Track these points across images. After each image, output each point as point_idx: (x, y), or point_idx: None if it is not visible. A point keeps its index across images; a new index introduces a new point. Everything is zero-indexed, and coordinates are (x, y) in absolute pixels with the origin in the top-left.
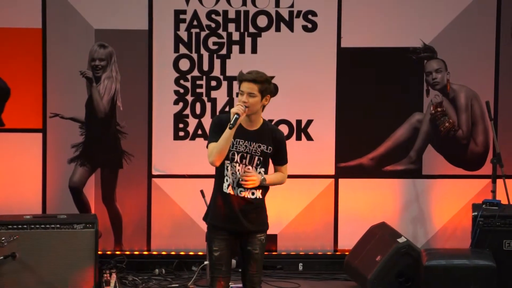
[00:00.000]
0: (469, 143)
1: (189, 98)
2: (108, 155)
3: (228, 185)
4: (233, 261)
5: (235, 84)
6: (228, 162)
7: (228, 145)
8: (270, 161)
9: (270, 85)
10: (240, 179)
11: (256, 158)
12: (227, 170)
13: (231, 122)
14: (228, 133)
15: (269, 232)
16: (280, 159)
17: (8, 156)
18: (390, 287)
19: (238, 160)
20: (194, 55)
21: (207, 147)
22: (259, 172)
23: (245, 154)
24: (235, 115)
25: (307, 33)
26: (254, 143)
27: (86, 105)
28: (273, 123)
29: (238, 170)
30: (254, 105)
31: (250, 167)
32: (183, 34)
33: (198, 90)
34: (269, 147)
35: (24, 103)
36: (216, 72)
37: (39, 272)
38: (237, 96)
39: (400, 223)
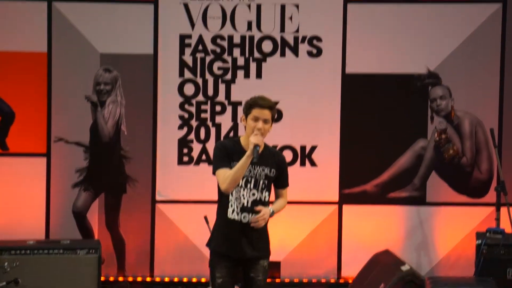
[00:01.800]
0: (473, 170)
1: (194, 123)
2: (112, 180)
3: (233, 211)
4: None
5: (240, 109)
6: None
7: (243, 173)
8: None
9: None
10: (251, 223)
11: (261, 182)
12: (232, 195)
13: (255, 156)
14: (245, 162)
15: (272, 259)
16: (282, 182)
17: (12, 180)
18: None
19: (243, 185)
20: (199, 80)
21: (213, 173)
22: (265, 197)
23: (249, 178)
24: (256, 147)
25: (312, 59)
26: (258, 167)
27: (91, 130)
28: (277, 148)
29: (243, 195)
30: (267, 131)
31: (261, 207)
32: (188, 59)
33: (203, 115)
34: (272, 169)
35: (29, 127)
36: (221, 97)
37: None
38: (241, 121)
39: (404, 251)
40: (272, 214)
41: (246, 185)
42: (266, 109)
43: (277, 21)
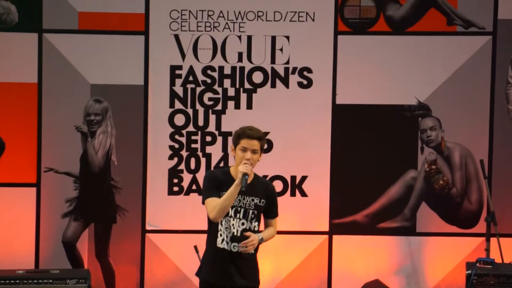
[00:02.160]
0: (463, 201)
1: (184, 153)
2: (102, 210)
3: (222, 240)
4: None
5: (230, 139)
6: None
7: (232, 203)
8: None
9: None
10: (239, 249)
11: (251, 212)
12: (221, 224)
13: (243, 184)
14: (234, 191)
15: None
16: (272, 212)
17: (2, 210)
18: None
19: (233, 215)
20: (190, 111)
21: (203, 202)
22: (254, 227)
23: (239, 208)
24: (245, 176)
25: (302, 90)
26: (247, 197)
27: (81, 160)
28: (267, 178)
29: (233, 224)
30: (256, 162)
31: (250, 233)
32: (179, 90)
33: (193, 146)
34: (262, 200)
35: (19, 157)
36: (211, 127)
37: None
38: (230, 151)
39: (394, 281)
40: (261, 241)
41: (235, 215)
42: (255, 139)
43: (267, 52)
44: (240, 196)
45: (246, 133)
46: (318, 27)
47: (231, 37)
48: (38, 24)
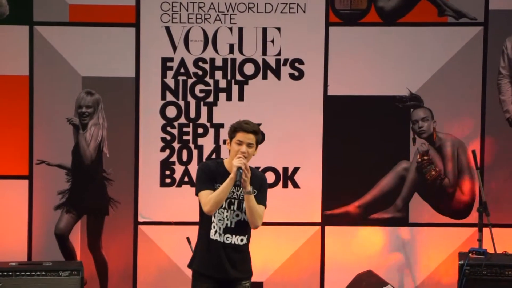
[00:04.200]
0: (455, 191)
1: (176, 145)
2: (94, 202)
3: (215, 232)
4: None
5: (222, 131)
6: None
7: (226, 196)
8: None
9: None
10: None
11: (244, 203)
12: (214, 216)
13: (237, 179)
14: (228, 185)
15: (255, 279)
16: (259, 199)
17: None
18: None
19: (226, 206)
20: (181, 103)
21: (196, 194)
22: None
23: (233, 200)
24: (239, 170)
25: (294, 81)
26: (241, 189)
27: (73, 152)
28: (260, 170)
29: (226, 216)
30: (251, 155)
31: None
32: (170, 82)
33: (185, 137)
34: (255, 190)
35: (11, 149)
36: (203, 119)
37: None
38: (224, 143)
39: (387, 271)
40: (251, 192)
41: (229, 207)
42: (250, 133)
43: (259, 44)
44: (234, 188)
45: (242, 126)
46: (309, 19)
47: (222, 29)
48: (29, 17)
